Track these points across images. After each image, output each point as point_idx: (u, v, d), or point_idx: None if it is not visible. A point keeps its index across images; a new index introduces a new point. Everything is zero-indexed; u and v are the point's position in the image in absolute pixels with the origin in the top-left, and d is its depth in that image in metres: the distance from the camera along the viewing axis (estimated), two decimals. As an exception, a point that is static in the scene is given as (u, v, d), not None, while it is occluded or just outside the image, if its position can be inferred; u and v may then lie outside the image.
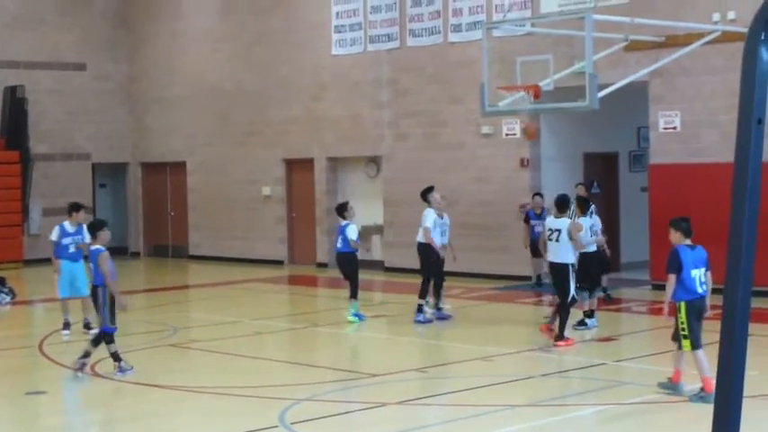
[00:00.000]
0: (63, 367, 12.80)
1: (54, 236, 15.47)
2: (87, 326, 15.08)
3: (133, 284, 23.61)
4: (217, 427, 10.07)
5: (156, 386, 11.87)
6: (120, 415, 10.69)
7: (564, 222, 14.23)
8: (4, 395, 11.83)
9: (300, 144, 25.28)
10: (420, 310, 16.22)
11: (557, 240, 14.11)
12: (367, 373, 12.54)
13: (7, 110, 27.18)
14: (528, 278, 20.79)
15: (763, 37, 3.12)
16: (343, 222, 16.61)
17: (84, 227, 14.59)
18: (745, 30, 3.32)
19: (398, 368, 12.58)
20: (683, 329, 10.48)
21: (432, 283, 16.43)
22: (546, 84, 15.59)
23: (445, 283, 16.95)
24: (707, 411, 3.53)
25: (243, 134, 26.52)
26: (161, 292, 21.94)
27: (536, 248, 18.16)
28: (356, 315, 16.49)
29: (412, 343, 15.05)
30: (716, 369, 3.40)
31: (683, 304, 10.47)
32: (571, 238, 14.07)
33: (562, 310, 13.91)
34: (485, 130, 21.52)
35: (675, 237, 10.77)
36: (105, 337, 12.24)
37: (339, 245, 16.64)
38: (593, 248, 15.30)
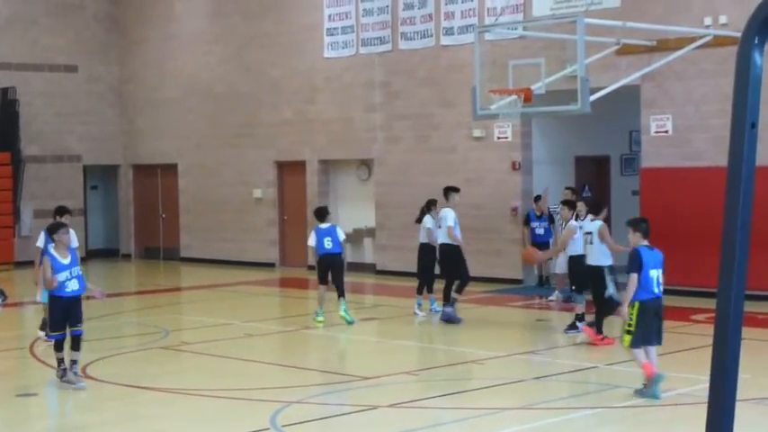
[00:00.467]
0: (54, 369, 12.76)
1: (40, 242, 15.27)
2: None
3: (124, 286, 23.60)
4: (208, 429, 10.07)
5: (147, 388, 11.85)
6: (111, 417, 10.66)
7: (596, 225, 14.34)
8: (-5, 397, 11.79)
9: (292, 147, 25.26)
10: (452, 303, 16.31)
11: (590, 242, 14.28)
12: (358, 375, 12.54)
13: (-1, 112, 27.19)
14: (519, 281, 20.81)
15: (756, 41, 3.13)
16: (328, 225, 16.57)
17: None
18: (737, 34, 3.34)
19: (390, 371, 12.56)
20: (630, 326, 10.70)
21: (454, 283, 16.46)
22: (538, 87, 15.61)
23: (437, 286, 16.97)
24: (700, 413, 3.55)
25: (234, 136, 26.49)
26: (152, 295, 21.89)
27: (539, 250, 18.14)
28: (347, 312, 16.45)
29: (403, 346, 15.04)
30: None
31: (637, 303, 10.70)
32: (602, 240, 14.22)
33: (602, 309, 14.11)
34: (476, 133, 21.53)
35: (635, 237, 10.96)
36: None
37: (328, 246, 16.50)
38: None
